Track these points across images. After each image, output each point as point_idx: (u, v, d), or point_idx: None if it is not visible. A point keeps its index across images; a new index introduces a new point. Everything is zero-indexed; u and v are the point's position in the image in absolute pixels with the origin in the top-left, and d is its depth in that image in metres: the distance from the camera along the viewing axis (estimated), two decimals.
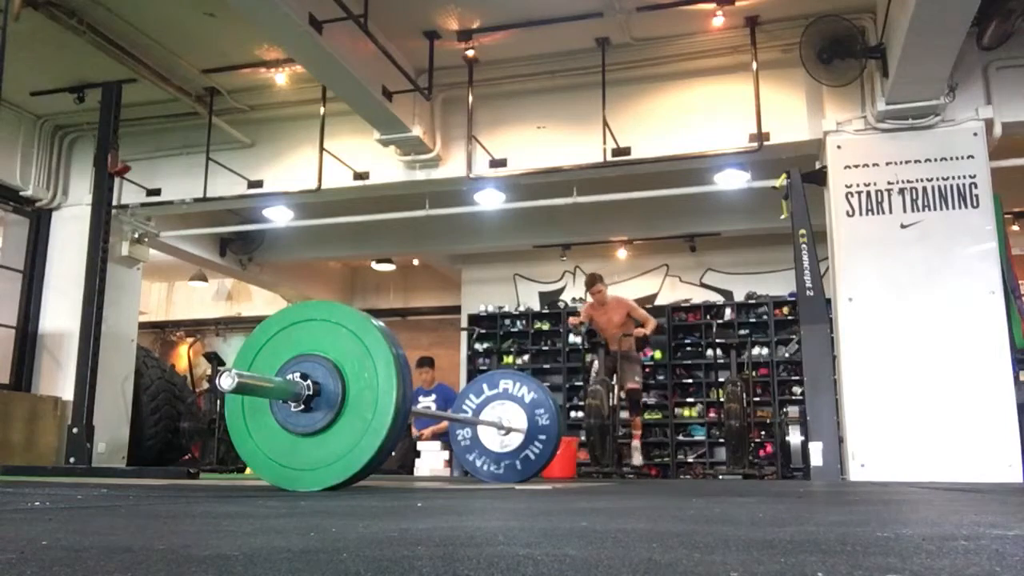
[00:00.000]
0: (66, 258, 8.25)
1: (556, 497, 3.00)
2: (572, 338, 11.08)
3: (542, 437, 5.13)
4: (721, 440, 9.52)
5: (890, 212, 6.34)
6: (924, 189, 6.30)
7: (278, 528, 1.46)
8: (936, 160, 6.31)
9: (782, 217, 6.76)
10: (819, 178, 6.75)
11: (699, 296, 11.13)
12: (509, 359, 11.40)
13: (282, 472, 3.13)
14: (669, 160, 7.13)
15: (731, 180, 7.65)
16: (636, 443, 7.87)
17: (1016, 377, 5.95)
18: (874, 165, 6.45)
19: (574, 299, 11.45)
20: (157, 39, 6.97)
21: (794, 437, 7.71)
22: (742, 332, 10.60)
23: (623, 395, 7.58)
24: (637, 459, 7.83)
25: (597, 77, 7.00)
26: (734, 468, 7.89)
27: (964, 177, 6.24)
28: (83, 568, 0.91)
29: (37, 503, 2.16)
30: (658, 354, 10.90)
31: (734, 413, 7.73)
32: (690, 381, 10.85)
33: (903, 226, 6.29)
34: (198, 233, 9.91)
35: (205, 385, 10.41)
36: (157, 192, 8.42)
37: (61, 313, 8.18)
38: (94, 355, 7.18)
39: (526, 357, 11.42)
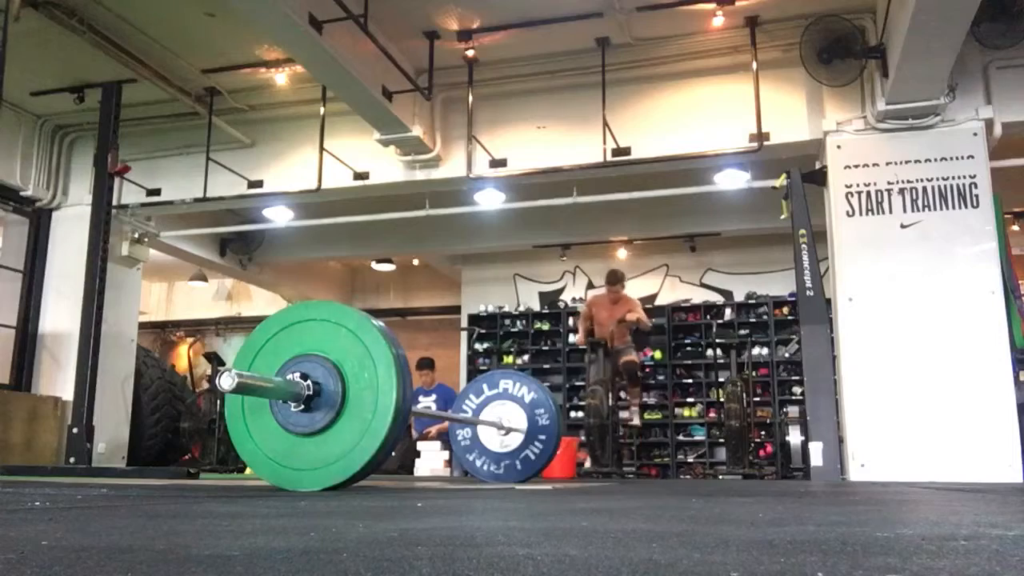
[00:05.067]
0: (66, 258, 8.25)
1: (556, 497, 3.00)
2: (572, 338, 11.08)
3: (542, 437, 5.13)
4: (721, 440, 9.52)
5: (890, 212, 6.34)
6: (924, 189, 6.30)
7: (278, 528, 1.46)
8: (936, 160, 6.31)
9: (782, 217, 6.76)
10: (819, 178, 6.75)
11: (699, 296, 11.14)
12: (509, 359, 11.40)
13: (282, 472, 3.13)
14: (669, 160, 7.13)
15: (731, 180, 7.65)
16: (634, 407, 7.88)
17: (1016, 377, 5.95)
18: (874, 165, 6.45)
19: (574, 299, 11.46)
20: (157, 39, 6.98)
21: (794, 437, 7.71)
22: (742, 332, 10.60)
23: (621, 371, 7.54)
24: (636, 420, 7.83)
25: (597, 77, 7.00)
26: (734, 468, 7.89)
27: (964, 177, 6.24)
28: (83, 568, 0.91)
29: (37, 503, 2.15)
30: (658, 354, 10.91)
31: (734, 413, 7.73)
32: (690, 381, 10.84)
33: (903, 226, 6.29)
34: (198, 233, 9.91)
35: (205, 385, 10.41)
36: (157, 192, 8.42)
37: (61, 313, 8.18)
38: (94, 355, 7.18)
39: (526, 357, 11.42)
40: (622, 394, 7.84)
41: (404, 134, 7.21)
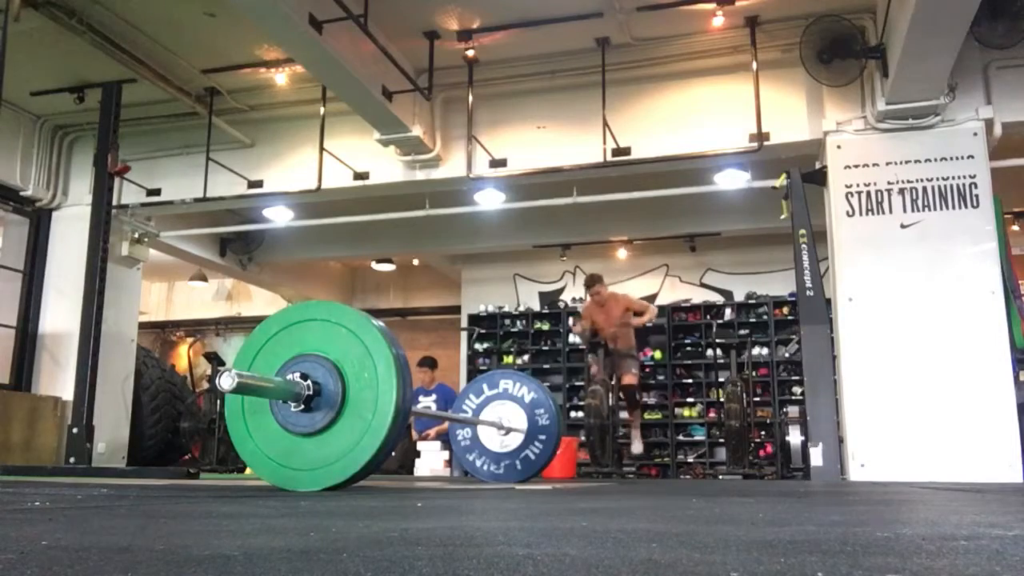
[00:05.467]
0: (66, 258, 8.25)
1: (556, 497, 3.00)
2: (572, 338, 11.08)
3: (542, 437, 5.13)
4: (721, 440, 9.52)
5: (890, 212, 6.34)
6: (924, 189, 6.30)
7: (278, 528, 1.46)
8: (936, 160, 6.31)
9: (782, 217, 6.76)
10: (819, 178, 6.75)
11: (699, 296, 11.13)
12: (509, 359, 11.40)
13: (282, 472, 3.13)
14: (669, 160, 7.13)
15: (731, 180, 7.65)
16: (635, 432, 7.88)
17: (1016, 377, 5.95)
18: (874, 165, 6.45)
19: (574, 299, 11.45)
20: (157, 39, 6.98)
21: (794, 437, 7.71)
22: (742, 332, 10.59)
23: (620, 393, 7.57)
24: (637, 447, 7.82)
25: (597, 77, 7.00)
26: (734, 468, 7.89)
27: (964, 177, 6.24)
28: (83, 568, 0.91)
29: (37, 503, 2.15)
30: (658, 354, 10.90)
31: (734, 413, 7.74)
32: (690, 381, 10.84)
33: (903, 226, 6.29)
34: (198, 233, 9.91)
35: (205, 385, 10.40)
36: (157, 192, 8.42)
37: (61, 313, 8.18)
38: (94, 355, 7.18)
39: (526, 357, 11.42)
40: (623, 414, 7.84)
41: (404, 134, 7.21)
